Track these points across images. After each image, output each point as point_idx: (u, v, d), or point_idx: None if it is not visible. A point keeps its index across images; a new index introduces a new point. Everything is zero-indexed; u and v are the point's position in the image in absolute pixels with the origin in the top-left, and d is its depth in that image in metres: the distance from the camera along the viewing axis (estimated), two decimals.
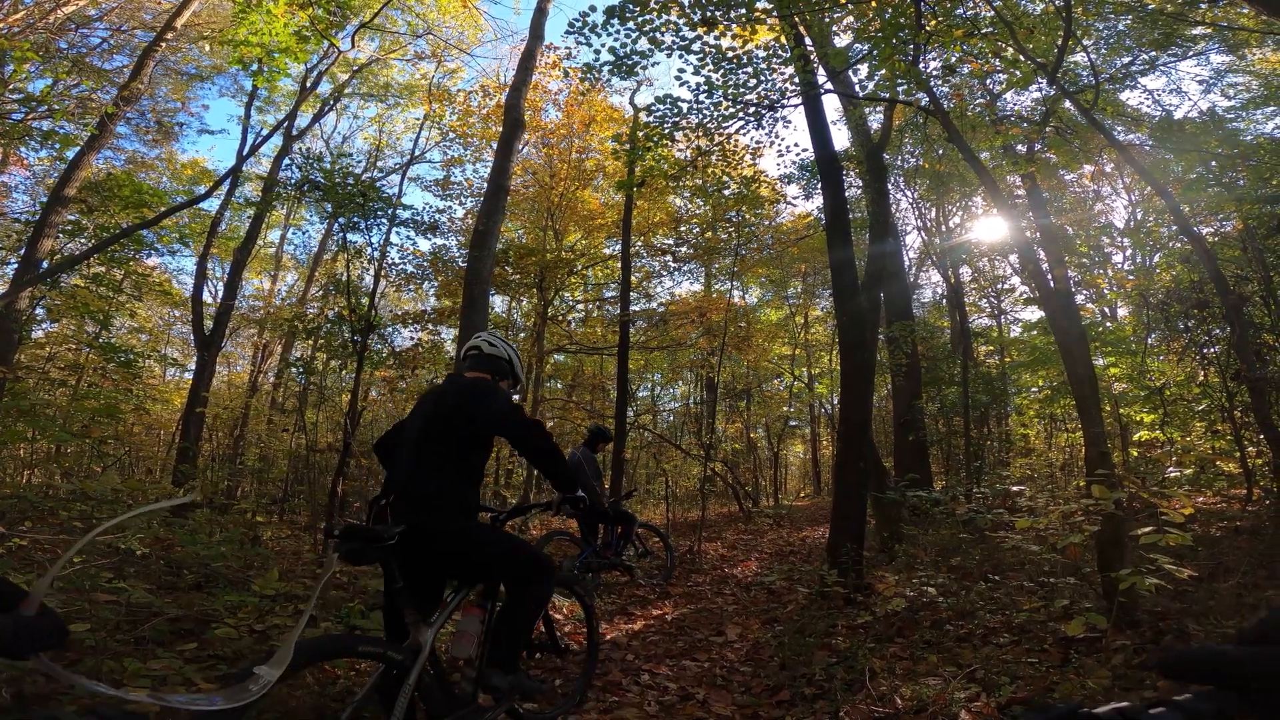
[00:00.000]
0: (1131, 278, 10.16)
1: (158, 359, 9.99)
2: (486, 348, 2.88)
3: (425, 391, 2.94)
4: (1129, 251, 13.29)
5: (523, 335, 15.53)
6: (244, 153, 10.97)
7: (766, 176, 8.36)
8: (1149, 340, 9.65)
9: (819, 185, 11.19)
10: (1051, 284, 5.70)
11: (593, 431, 6.69)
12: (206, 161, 17.35)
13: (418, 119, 15.45)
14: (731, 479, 15.17)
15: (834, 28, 6.25)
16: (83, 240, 8.72)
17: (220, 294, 13.36)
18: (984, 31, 4.30)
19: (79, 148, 8.21)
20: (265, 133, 12.54)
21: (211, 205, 11.99)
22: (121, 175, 9.30)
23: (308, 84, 12.53)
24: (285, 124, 12.43)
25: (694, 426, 19.77)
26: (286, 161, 11.62)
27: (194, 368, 10.38)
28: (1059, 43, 4.20)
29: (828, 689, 3.39)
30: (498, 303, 15.22)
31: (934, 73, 5.44)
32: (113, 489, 5.56)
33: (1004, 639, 3.92)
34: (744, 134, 6.18)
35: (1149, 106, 10.29)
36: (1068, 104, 6.45)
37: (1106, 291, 11.34)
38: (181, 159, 15.99)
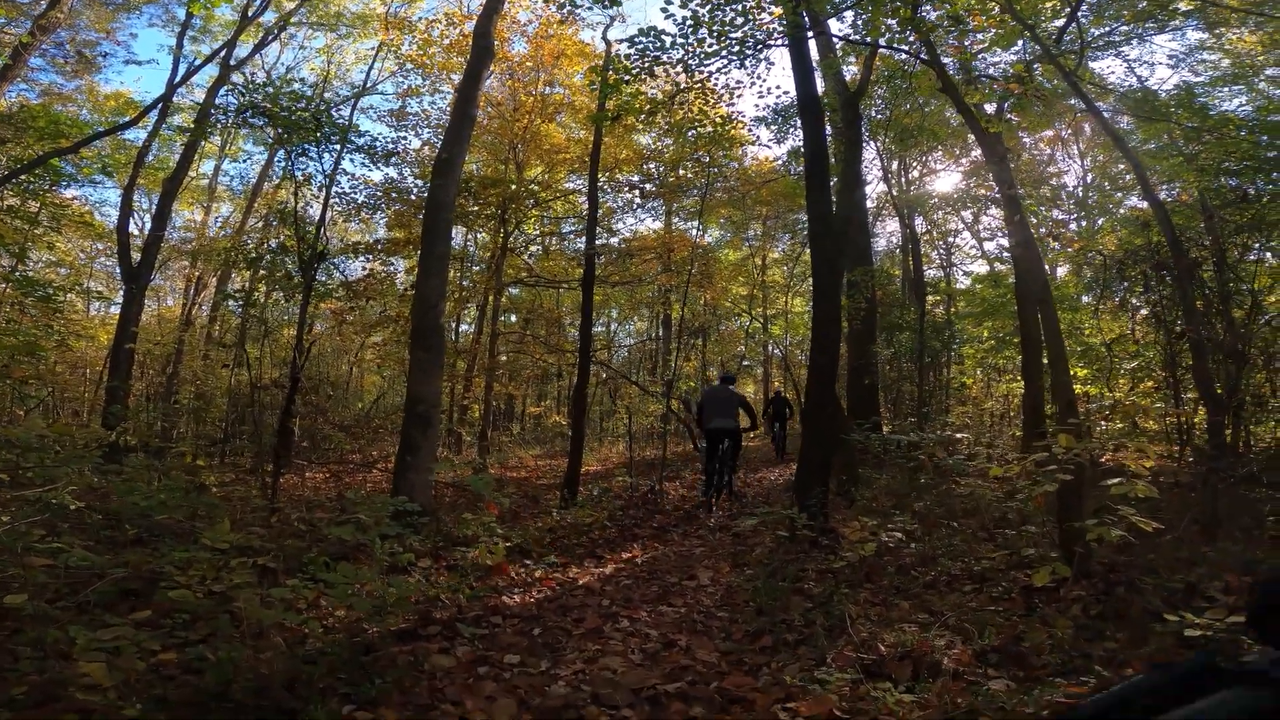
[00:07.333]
0: (1078, 239, 10.53)
1: (80, 293, 9.17)
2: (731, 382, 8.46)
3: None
4: (1073, 215, 13.91)
5: (477, 269, 15.03)
6: (175, 82, 9.99)
7: (741, 117, 8.15)
8: (1087, 300, 10.05)
9: (792, 129, 11.02)
10: (1014, 238, 5.80)
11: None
12: (132, 93, 15.57)
13: (369, 50, 14.69)
14: (687, 417, 15.34)
15: None
16: None
17: (148, 227, 12.33)
18: None
19: None
20: (199, 63, 11.48)
21: (138, 136, 10.91)
22: (36, 107, 8.30)
23: (249, 12, 11.35)
24: (223, 53, 11.31)
25: (649, 364, 19.83)
26: (224, 90, 10.56)
27: (121, 302, 9.59)
28: (1063, 6, 4.08)
29: (809, 634, 3.48)
30: (454, 234, 14.71)
31: (937, 23, 5.28)
32: (38, 434, 5.11)
33: (968, 587, 4.12)
34: (725, 73, 5.95)
35: (1119, 76, 10.46)
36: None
37: (1053, 250, 11.71)
38: (105, 90, 14.41)
